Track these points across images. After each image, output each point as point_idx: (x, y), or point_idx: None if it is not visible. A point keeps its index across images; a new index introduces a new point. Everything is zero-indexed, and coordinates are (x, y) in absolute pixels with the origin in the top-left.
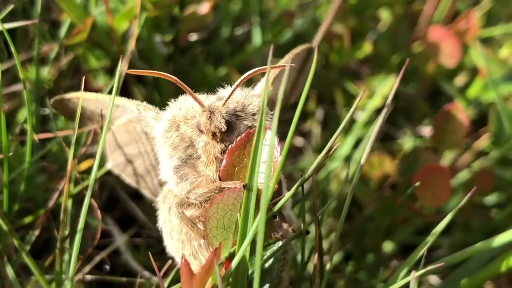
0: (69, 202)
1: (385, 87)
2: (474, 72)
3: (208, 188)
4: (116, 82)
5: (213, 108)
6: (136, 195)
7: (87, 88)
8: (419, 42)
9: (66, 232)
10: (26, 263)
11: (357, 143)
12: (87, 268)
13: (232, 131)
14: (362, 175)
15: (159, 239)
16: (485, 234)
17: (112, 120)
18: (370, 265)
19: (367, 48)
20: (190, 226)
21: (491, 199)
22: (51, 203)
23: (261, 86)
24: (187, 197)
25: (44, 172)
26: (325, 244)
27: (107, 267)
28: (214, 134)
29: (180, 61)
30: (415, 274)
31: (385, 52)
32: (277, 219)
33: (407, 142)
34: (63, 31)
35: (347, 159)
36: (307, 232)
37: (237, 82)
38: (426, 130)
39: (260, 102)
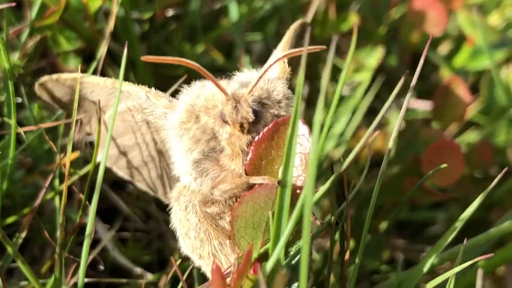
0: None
1: (372, 59)
2: (458, 40)
3: (235, 184)
4: (122, 66)
5: (239, 96)
6: (116, 185)
7: (57, 72)
8: (399, 8)
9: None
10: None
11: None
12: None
13: (258, 121)
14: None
15: (146, 231)
16: (484, 208)
17: (103, 108)
18: (369, 246)
19: (352, 19)
20: (214, 226)
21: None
22: (37, 201)
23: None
24: (211, 194)
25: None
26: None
27: (101, 267)
28: (241, 125)
29: (154, 39)
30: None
31: (370, 24)
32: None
33: (393, 116)
34: (33, 12)
35: (340, 136)
36: (337, 223)
37: (267, 67)
38: (411, 102)
39: (285, 87)
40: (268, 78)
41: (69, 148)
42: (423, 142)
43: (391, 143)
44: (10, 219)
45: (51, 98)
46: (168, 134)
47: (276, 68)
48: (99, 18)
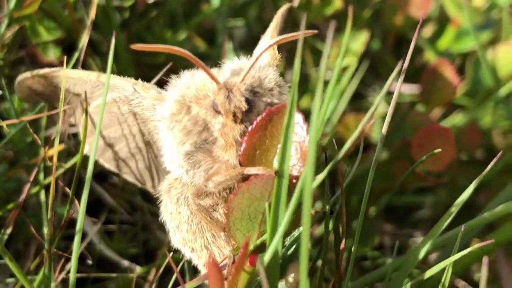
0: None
1: (356, 44)
2: (441, 22)
3: (229, 175)
4: (110, 58)
5: (231, 85)
6: (100, 176)
7: (37, 63)
8: None
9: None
10: None
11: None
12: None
13: (251, 110)
14: (338, 137)
15: (132, 223)
16: (473, 191)
17: (88, 100)
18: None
19: (337, 3)
20: (208, 219)
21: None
22: (22, 196)
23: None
24: (205, 186)
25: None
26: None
27: (89, 261)
28: (234, 115)
29: (134, 27)
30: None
31: (354, 8)
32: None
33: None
34: (11, 2)
35: (327, 123)
36: (332, 212)
37: (258, 54)
38: (396, 85)
39: (276, 74)
40: (258, 65)
41: (56, 142)
42: (411, 126)
43: (384, 129)
44: None
45: (31, 94)
46: (158, 126)
47: (266, 55)
48: (78, 6)
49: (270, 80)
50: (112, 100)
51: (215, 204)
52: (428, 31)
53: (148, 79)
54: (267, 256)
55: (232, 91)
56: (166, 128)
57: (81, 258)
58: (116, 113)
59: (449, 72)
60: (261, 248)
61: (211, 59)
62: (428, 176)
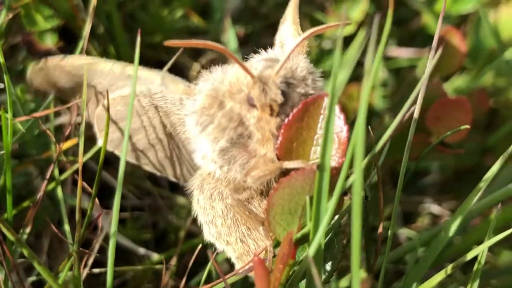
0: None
1: (356, 12)
2: None
3: (268, 170)
4: (137, 53)
5: (265, 78)
6: (105, 163)
7: (34, 51)
8: None
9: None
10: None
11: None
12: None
13: (286, 102)
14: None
15: (142, 209)
16: (479, 155)
17: (102, 90)
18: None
19: None
20: (247, 214)
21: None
22: (40, 194)
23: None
24: (244, 181)
25: None
26: None
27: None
28: (270, 108)
29: (129, 7)
30: None
31: None
32: (349, 195)
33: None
34: None
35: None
36: (366, 198)
37: (295, 44)
38: (393, 50)
39: (307, 62)
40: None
41: (81, 145)
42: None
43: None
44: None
45: (43, 83)
46: (186, 121)
47: (293, 42)
48: None
49: (302, 69)
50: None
51: (251, 197)
52: None
53: (145, 58)
54: (311, 249)
55: (267, 84)
56: (195, 123)
57: (101, 250)
58: (135, 106)
59: (456, 39)
60: (301, 240)
61: (209, 35)
62: (448, 149)
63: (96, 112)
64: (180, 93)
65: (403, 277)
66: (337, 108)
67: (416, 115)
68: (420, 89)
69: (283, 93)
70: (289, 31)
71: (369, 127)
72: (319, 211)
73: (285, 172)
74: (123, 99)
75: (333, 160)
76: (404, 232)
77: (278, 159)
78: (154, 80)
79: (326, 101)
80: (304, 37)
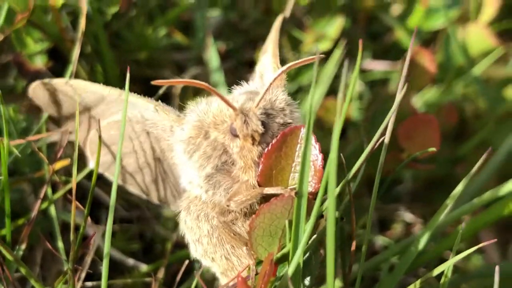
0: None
1: (332, 29)
2: (409, 1)
3: (249, 195)
4: (127, 83)
5: (247, 110)
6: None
7: (24, 71)
8: None
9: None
10: None
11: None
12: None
13: (266, 131)
14: (318, 121)
15: (131, 221)
16: (451, 165)
17: (97, 116)
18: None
19: None
20: (232, 235)
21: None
22: (34, 212)
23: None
24: (227, 206)
25: None
26: None
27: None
28: (252, 138)
29: (115, 26)
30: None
31: None
32: (324, 217)
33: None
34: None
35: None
36: (342, 219)
37: (273, 78)
38: (367, 63)
39: (285, 94)
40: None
41: (74, 169)
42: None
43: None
44: (3, 232)
45: (46, 103)
46: (175, 148)
47: (271, 75)
48: (63, 15)
49: (281, 101)
50: (127, 118)
51: (235, 218)
52: (398, 9)
53: (131, 75)
54: (291, 269)
55: (248, 116)
56: (184, 151)
57: (93, 264)
58: (127, 131)
59: (426, 59)
60: (281, 259)
61: (192, 51)
62: (419, 164)
63: (90, 136)
64: (170, 121)
65: (377, 283)
66: (313, 138)
67: (387, 140)
68: (390, 119)
69: (263, 124)
70: (269, 63)
71: (341, 155)
72: (297, 233)
73: (266, 197)
74: (116, 124)
75: (310, 186)
76: (379, 239)
77: (259, 185)
78: (147, 107)
79: (302, 132)
80: (281, 71)
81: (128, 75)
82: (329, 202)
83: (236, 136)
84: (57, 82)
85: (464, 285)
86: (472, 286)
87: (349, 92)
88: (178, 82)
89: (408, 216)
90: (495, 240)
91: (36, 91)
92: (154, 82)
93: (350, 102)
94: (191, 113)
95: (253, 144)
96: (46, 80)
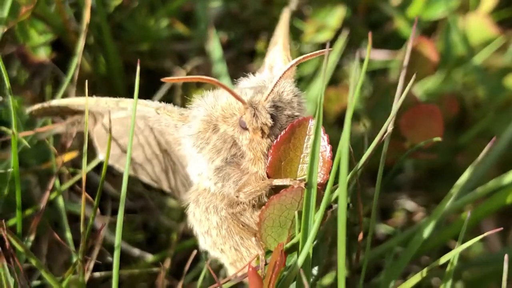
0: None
1: (333, 19)
2: None
3: (259, 187)
4: (136, 89)
5: (256, 103)
6: (99, 167)
7: (27, 62)
8: None
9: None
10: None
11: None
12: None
13: (275, 124)
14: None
15: (135, 211)
16: (451, 154)
17: (102, 113)
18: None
19: None
20: (241, 226)
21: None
22: (43, 204)
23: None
24: (236, 197)
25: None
26: None
27: (110, 258)
28: (261, 131)
29: (117, 18)
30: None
31: None
32: (332, 208)
33: (352, 69)
34: (5, 11)
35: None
36: (348, 206)
37: (282, 71)
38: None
39: (292, 86)
40: (274, 79)
41: (84, 162)
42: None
43: None
44: (13, 221)
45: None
46: (182, 142)
47: (280, 67)
48: (66, 6)
49: (288, 93)
50: (128, 115)
51: (243, 210)
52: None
53: (133, 65)
54: (300, 258)
55: (257, 109)
56: (192, 145)
57: (100, 255)
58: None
59: (428, 49)
60: (290, 249)
61: (194, 42)
62: (422, 154)
63: (95, 129)
64: (175, 120)
65: (382, 271)
66: (321, 130)
67: (390, 129)
68: (394, 110)
69: (272, 117)
70: (279, 56)
71: (350, 147)
72: (307, 224)
73: (275, 188)
74: (119, 120)
75: (318, 177)
76: (381, 228)
77: (268, 176)
78: (149, 110)
79: (311, 123)
80: (291, 64)
81: (137, 81)
82: (340, 191)
83: (245, 129)
84: (58, 103)
85: (466, 272)
86: (474, 273)
87: (358, 86)
88: (187, 79)
89: (409, 205)
90: (501, 228)
91: (38, 112)
92: (164, 80)
93: (357, 94)
94: (197, 107)
95: (262, 137)
96: (47, 104)
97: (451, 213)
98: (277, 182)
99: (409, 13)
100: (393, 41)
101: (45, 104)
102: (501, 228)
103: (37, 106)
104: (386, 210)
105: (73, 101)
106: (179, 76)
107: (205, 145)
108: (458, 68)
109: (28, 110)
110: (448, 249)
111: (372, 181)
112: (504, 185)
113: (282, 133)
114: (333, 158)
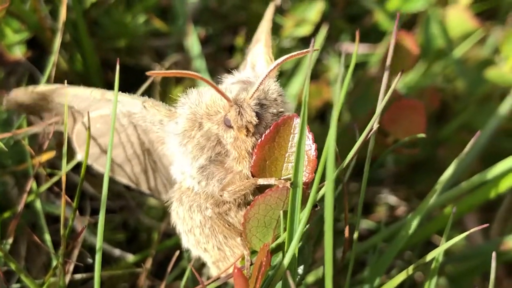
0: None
1: (312, 13)
2: None
3: (243, 186)
4: (116, 80)
5: (241, 101)
6: (77, 167)
7: (3, 61)
8: None
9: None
10: None
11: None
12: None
13: (260, 122)
14: (300, 106)
15: (114, 210)
16: (432, 147)
17: (81, 111)
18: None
19: None
20: (226, 226)
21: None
22: (21, 206)
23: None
24: (220, 196)
25: None
26: None
27: (90, 260)
28: (246, 129)
29: (93, 14)
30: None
31: None
32: (318, 207)
33: (333, 62)
34: None
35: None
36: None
37: (269, 70)
38: (347, 46)
39: (276, 84)
40: (259, 77)
41: (64, 163)
42: (376, 95)
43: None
44: None
45: (18, 108)
46: (167, 140)
47: (262, 64)
48: (41, 4)
49: (273, 91)
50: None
51: (228, 209)
52: None
53: (110, 63)
54: (286, 258)
55: (242, 107)
56: (178, 144)
57: (80, 256)
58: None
59: (409, 42)
60: (275, 249)
61: (172, 37)
62: (405, 149)
63: (75, 129)
64: (161, 116)
65: (365, 267)
66: (306, 129)
67: (375, 127)
68: (378, 105)
69: (258, 115)
70: (261, 53)
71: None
72: (293, 223)
73: (260, 187)
74: (102, 118)
75: (304, 177)
76: (363, 223)
77: (253, 175)
78: (135, 104)
79: (295, 122)
80: (277, 63)
81: (117, 75)
82: (327, 188)
83: (230, 127)
84: (41, 89)
85: (449, 266)
86: (456, 267)
87: (344, 85)
88: (172, 74)
89: (391, 199)
90: (487, 225)
91: (19, 97)
92: (148, 73)
93: (332, 85)
94: (183, 106)
95: (247, 135)
96: (30, 88)
97: (434, 208)
98: (262, 181)
99: (389, 6)
100: (373, 35)
101: (29, 88)
102: (487, 225)
103: (21, 89)
104: (368, 204)
105: (60, 88)
106: (164, 72)
107: (189, 143)
108: (438, 61)
109: (11, 94)
110: (430, 243)
111: (355, 176)
112: (487, 180)
113: (267, 131)
114: (318, 156)
